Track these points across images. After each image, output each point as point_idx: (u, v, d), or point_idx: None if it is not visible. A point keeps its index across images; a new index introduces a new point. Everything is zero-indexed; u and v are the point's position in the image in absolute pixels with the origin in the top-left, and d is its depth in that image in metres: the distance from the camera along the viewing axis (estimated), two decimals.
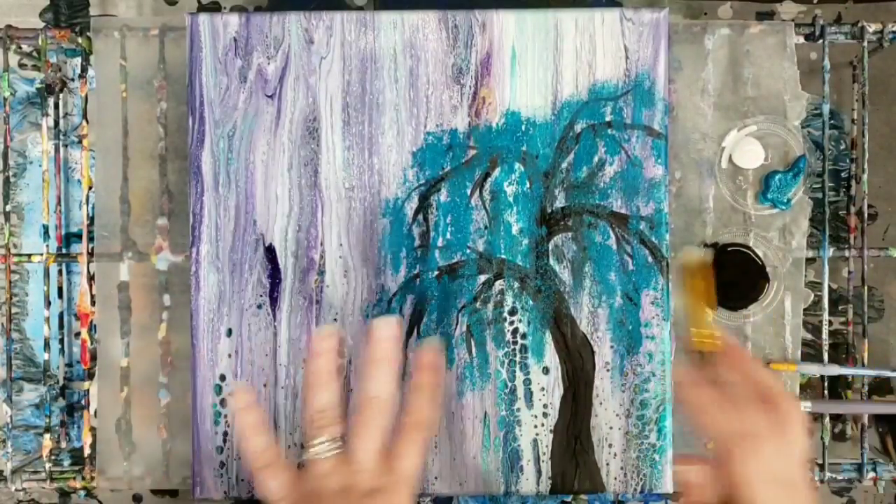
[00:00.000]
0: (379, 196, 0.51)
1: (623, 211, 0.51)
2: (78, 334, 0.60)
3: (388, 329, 0.43)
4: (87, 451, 0.55)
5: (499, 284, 0.51)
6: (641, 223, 0.51)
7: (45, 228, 0.56)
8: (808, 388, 0.59)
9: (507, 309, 0.51)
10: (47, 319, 0.56)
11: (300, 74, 0.51)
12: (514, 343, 0.51)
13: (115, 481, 0.55)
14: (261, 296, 0.51)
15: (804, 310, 0.55)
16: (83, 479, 0.55)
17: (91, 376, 0.55)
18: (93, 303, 0.55)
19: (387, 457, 0.42)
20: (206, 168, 0.51)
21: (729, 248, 0.54)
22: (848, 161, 0.60)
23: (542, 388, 0.51)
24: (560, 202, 0.51)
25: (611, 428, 0.51)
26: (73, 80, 0.61)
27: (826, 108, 0.55)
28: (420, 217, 0.51)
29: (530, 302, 0.51)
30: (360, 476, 0.41)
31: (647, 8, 0.51)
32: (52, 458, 0.56)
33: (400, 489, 0.41)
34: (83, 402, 0.56)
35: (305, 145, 0.51)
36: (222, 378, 0.51)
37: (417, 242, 0.51)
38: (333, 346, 0.43)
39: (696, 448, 0.54)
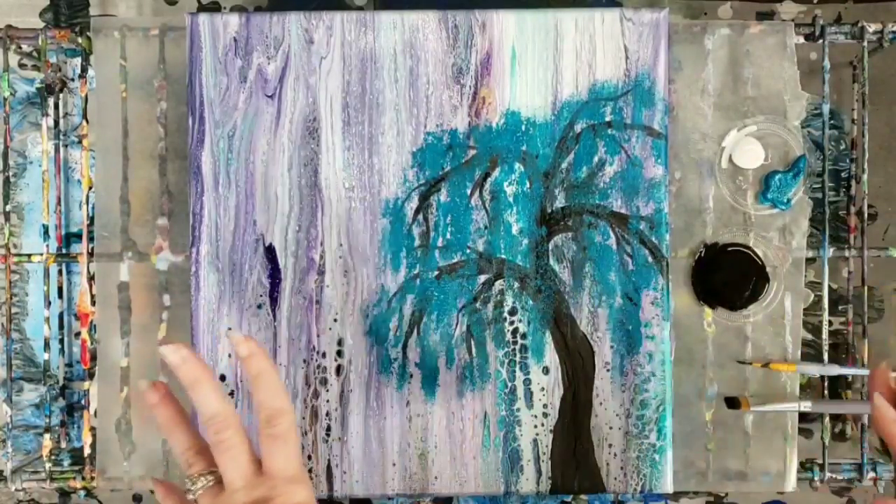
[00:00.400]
0: (379, 196, 0.51)
1: (623, 211, 0.51)
2: (78, 334, 0.60)
3: (177, 354, 0.40)
4: (87, 451, 0.55)
5: (499, 284, 0.51)
6: (641, 223, 0.51)
7: (45, 228, 0.56)
8: (808, 388, 0.59)
9: (507, 309, 0.51)
10: (47, 319, 0.56)
11: (300, 74, 0.51)
12: (514, 343, 0.51)
13: (115, 481, 0.55)
14: (261, 296, 0.51)
15: (804, 310, 0.55)
16: (83, 479, 0.55)
17: (91, 376, 0.55)
18: (93, 303, 0.55)
19: (258, 466, 0.40)
20: (206, 168, 0.51)
21: (729, 248, 0.54)
22: (848, 161, 0.60)
23: (542, 388, 0.51)
24: (560, 202, 0.51)
25: (611, 428, 0.51)
26: (73, 80, 0.61)
27: (826, 108, 0.55)
28: (420, 217, 0.51)
29: (530, 302, 0.51)
30: (237, 497, 0.38)
31: (647, 8, 0.51)
32: (52, 458, 0.56)
33: (286, 489, 0.39)
34: (83, 402, 0.56)
35: (305, 145, 0.51)
36: (222, 378, 0.51)
37: (417, 242, 0.51)
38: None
39: (696, 449, 0.54)
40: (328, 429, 0.51)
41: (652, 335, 0.51)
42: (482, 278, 0.51)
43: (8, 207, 0.57)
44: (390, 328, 0.51)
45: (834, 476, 0.55)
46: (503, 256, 0.51)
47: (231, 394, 0.51)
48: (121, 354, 0.55)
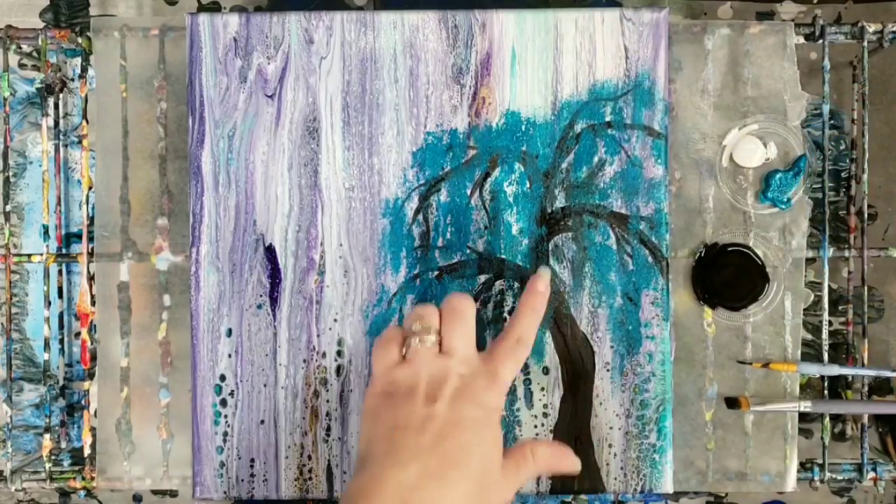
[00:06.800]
0: (379, 196, 0.51)
1: (623, 211, 0.51)
2: (78, 334, 0.60)
3: (544, 283, 0.48)
4: (87, 451, 0.55)
5: (499, 284, 0.51)
6: (641, 223, 0.51)
7: (45, 228, 0.56)
8: (808, 388, 0.59)
9: (507, 309, 0.51)
10: (47, 319, 0.56)
11: (300, 74, 0.51)
12: None
13: (115, 481, 0.55)
14: (261, 296, 0.51)
15: (804, 310, 0.55)
16: (83, 479, 0.55)
17: (91, 376, 0.55)
18: (93, 303, 0.55)
19: (487, 359, 0.45)
20: (206, 168, 0.51)
21: (729, 248, 0.54)
22: (848, 161, 0.60)
23: (542, 388, 0.51)
24: (560, 202, 0.51)
25: (611, 428, 0.51)
26: (73, 80, 0.61)
27: (826, 108, 0.55)
28: (420, 217, 0.51)
29: None
30: (463, 368, 0.43)
31: (647, 8, 0.51)
32: (52, 458, 0.56)
33: (499, 388, 0.44)
34: (83, 402, 0.56)
35: (305, 145, 0.51)
36: (222, 378, 0.51)
37: (417, 242, 0.51)
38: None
39: (696, 449, 0.54)
40: (328, 429, 0.51)
41: (652, 335, 0.51)
42: (482, 278, 0.51)
43: (8, 207, 0.57)
44: None
45: (834, 476, 0.55)
46: (503, 256, 0.51)
47: (231, 394, 0.51)
48: (121, 354, 0.55)
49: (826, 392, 0.56)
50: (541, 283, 0.47)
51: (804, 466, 0.55)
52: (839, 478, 0.55)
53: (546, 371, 0.51)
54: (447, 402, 0.42)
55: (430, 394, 0.42)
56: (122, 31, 0.55)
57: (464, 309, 0.45)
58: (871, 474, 0.55)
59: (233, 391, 0.51)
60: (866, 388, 0.55)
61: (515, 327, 0.46)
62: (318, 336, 0.51)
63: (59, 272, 0.60)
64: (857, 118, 0.56)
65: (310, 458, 0.51)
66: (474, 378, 0.43)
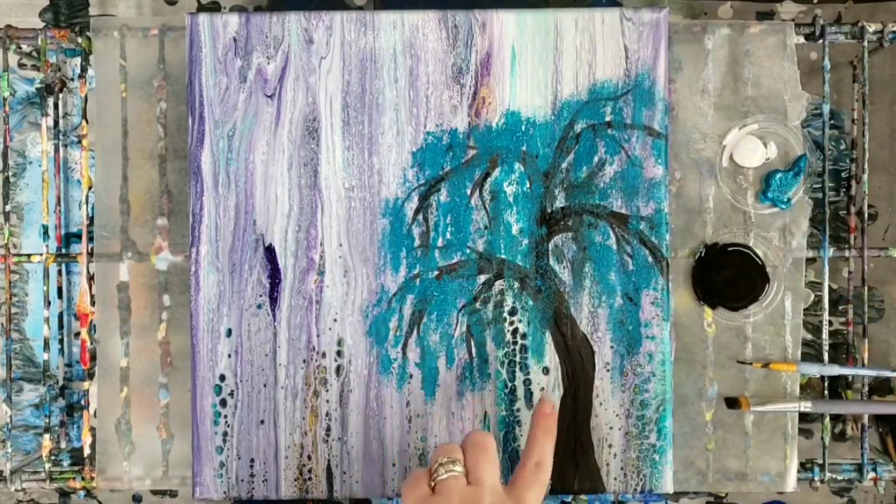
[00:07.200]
0: (379, 196, 0.51)
1: (623, 211, 0.51)
2: (78, 334, 0.60)
3: (549, 406, 0.48)
4: (86, 451, 0.55)
5: (499, 284, 0.51)
6: (641, 223, 0.51)
7: (45, 228, 0.56)
8: (808, 388, 0.59)
9: (507, 309, 0.51)
10: (47, 319, 0.56)
11: (300, 74, 0.51)
12: (514, 343, 0.51)
13: (114, 481, 0.55)
14: (261, 296, 0.51)
15: (804, 310, 0.55)
16: (83, 479, 0.55)
17: (91, 376, 0.55)
18: (93, 303, 0.55)
19: (511, 488, 0.45)
20: (206, 168, 0.51)
21: (729, 248, 0.54)
22: (848, 161, 0.60)
23: (542, 389, 0.51)
24: (560, 202, 0.51)
25: (611, 428, 0.51)
26: (72, 80, 0.61)
27: (826, 108, 0.55)
28: (420, 217, 0.51)
29: (530, 302, 0.51)
30: (492, 498, 0.43)
31: (647, 8, 0.51)
32: (52, 458, 0.56)
33: None
34: (83, 402, 0.56)
35: (305, 145, 0.51)
36: (222, 378, 0.51)
37: (417, 242, 0.51)
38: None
39: (696, 449, 0.54)
40: (328, 429, 0.51)
41: (652, 335, 0.51)
42: (482, 278, 0.51)
43: (8, 207, 0.57)
44: (390, 328, 0.51)
45: (834, 476, 0.55)
46: (503, 256, 0.51)
47: (231, 394, 0.51)
48: (121, 354, 0.55)
49: (826, 392, 0.56)
50: (547, 406, 0.48)
51: (804, 466, 0.55)
52: (839, 478, 0.55)
53: (546, 371, 0.51)
54: None
55: None
56: (122, 31, 0.55)
57: (487, 442, 0.45)
58: (871, 474, 0.55)
59: (232, 391, 0.51)
60: (866, 388, 0.55)
61: (532, 452, 0.46)
62: (318, 336, 0.51)
63: (59, 272, 0.60)
64: (857, 118, 0.56)
65: (309, 458, 0.51)
66: None
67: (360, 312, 0.51)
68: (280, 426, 0.51)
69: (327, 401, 0.51)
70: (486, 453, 0.45)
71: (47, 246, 0.56)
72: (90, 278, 0.55)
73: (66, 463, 0.57)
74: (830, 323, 0.56)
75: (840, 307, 0.59)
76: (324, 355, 0.51)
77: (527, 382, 0.51)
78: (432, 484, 0.44)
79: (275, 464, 0.51)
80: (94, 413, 0.55)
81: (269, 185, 0.51)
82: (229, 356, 0.51)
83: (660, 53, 0.51)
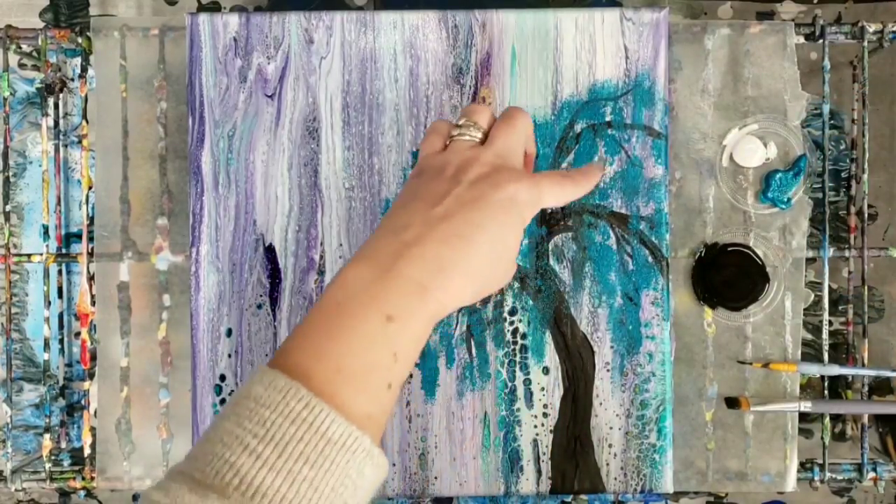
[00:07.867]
0: (379, 196, 0.51)
1: (623, 211, 0.51)
2: (78, 334, 0.60)
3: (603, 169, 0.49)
4: (87, 451, 0.55)
5: None
6: (641, 223, 0.51)
7: (45, 228, 0.56)
8: (808, 388, 0.59)
9: (507, 309, 0.51)
10: (47, 319, 0.56)
11: (300, 74, 0.51)
12: (514, 343, 0.51)
13: (115, 481, 0.55)
14: (261, 296, 0.51)
15: (804, 310, 0.55)
16: (83, 479, 0.55)
17: (91, 376, 0.55)
18: (93, 303, 0.55)
19: (532, 172, 0.45)
20: (206, 168, 0.51)
21: (729, 248, 0.54)
22: (848, 161, 0.60)
23: (542, 388, 0.51)
24: None
25: (611, 428, 0.51)
26: (73, 80, 0.61)
27: (826, 108, 0.55)
28: None
29: (530, 302, 0.51)
30: (498, 158, 0.42)
31: (647, 8, 0.51)
32: (52, 458, 0.56)
33: (531, 186, 0.42)
34: (83, 402, 0.56)
35: (305, 145, 0.51)
36: (222, 378, 0.51)
37: None
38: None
39: (696, 449, 0.54)
40: None
41: (652, 335, 0.51)
42: None
43: (8, 207, 0.57)
44: None
45: (834, 476, 0.55)
46: None
47: (231, 394, 0.51)
48: (121, 354, 0.55)
49: (826, 392, 0.56)
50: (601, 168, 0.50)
51: (804, 466, 0.55)
52: (839, 478, 0.55)
53: (546, 371, 0.51)
54: (468, 183, 0.41)
55: (455, 175, 0.42)
56: (122, 31, 0.55)
57: (519, 118, 0.44)
58: (871, 474, 0.55)
59: (233, 391, 0.51)
60: (866, 388, 0.55)
61: (572, 171, 0.47)
62: None
63: (59, 272, 0.60)
64: (857, 118, 0.56)
65: None
66: (505, 169, 0.42)
67: None
68: None
69: None
70: (511, 126, 0.44)
71: (47, 246, 0.56)
72: (90, 278, 0.55)
73: (66, 463, 0.57)
74: (830, 323, 0.56)
75: (840, 307, 0.59)
76: None
77: (527, 382, 0.51)
78: (447, 142, 0.44)
79: None
80: (95, 413, 0.55)
81: (270, 185, 0.51)
82: (229, 356, 0.51)
83: (660, 53, 0.51)
